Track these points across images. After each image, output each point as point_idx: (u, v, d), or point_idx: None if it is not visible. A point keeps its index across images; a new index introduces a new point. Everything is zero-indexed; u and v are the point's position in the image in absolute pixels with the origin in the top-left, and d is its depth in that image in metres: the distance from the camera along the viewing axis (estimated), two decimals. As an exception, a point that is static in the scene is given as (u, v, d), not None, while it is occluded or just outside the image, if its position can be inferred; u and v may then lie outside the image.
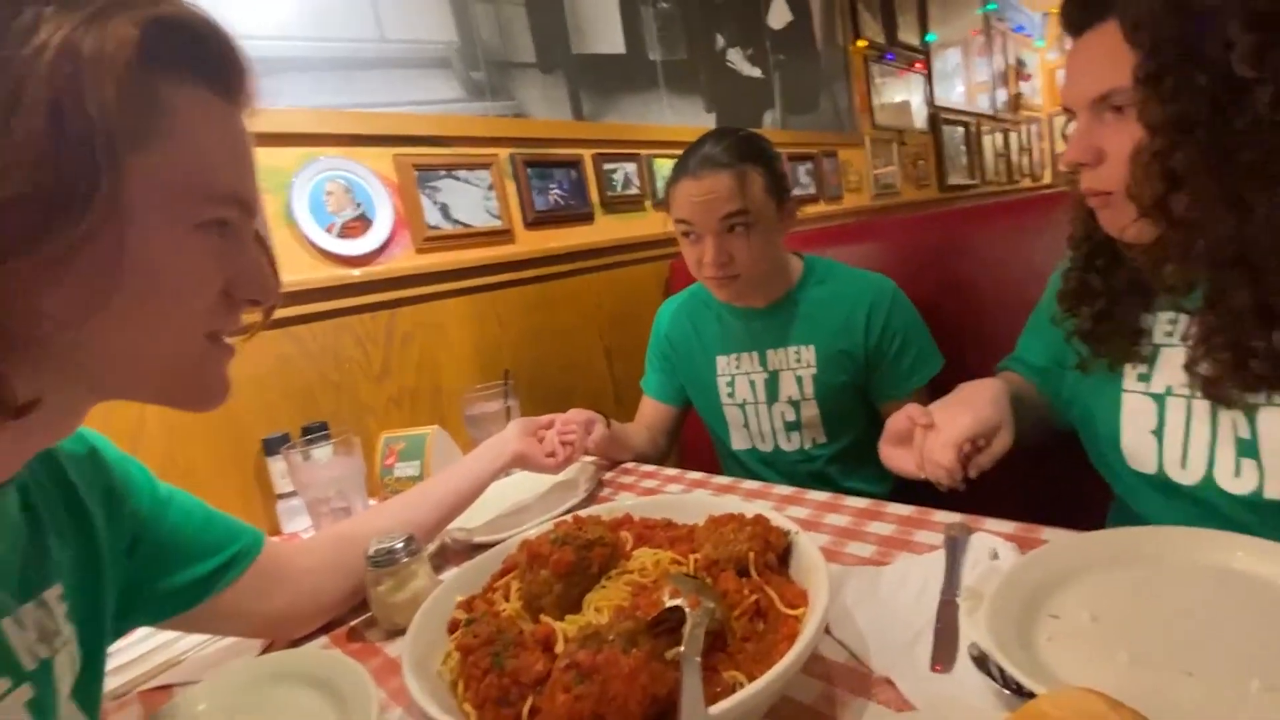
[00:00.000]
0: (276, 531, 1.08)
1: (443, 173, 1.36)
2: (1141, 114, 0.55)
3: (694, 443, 1.40)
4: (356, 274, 1.22)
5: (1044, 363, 0.86)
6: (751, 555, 0.50)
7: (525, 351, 1.50)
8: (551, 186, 1.56)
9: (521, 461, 0.89)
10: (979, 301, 1.17)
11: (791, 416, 1.14)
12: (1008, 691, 0.41)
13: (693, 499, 0.65)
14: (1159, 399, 0.67)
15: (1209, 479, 0.62)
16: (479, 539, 0.82)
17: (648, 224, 1.79)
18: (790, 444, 1.16)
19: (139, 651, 0.70)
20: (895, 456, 0.75)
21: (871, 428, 1.13)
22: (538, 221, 1.53)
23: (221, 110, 0.41)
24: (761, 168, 1.03)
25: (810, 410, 1.12)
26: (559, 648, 0.44)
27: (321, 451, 0.97)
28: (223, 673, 0.59)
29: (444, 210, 1.36)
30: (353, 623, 0.69)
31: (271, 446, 1.08)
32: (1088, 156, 0.61)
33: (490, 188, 1.44)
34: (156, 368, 0.41)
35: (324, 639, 0.68)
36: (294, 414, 1.16)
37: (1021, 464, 0.76)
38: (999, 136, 4.19)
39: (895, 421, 0.74)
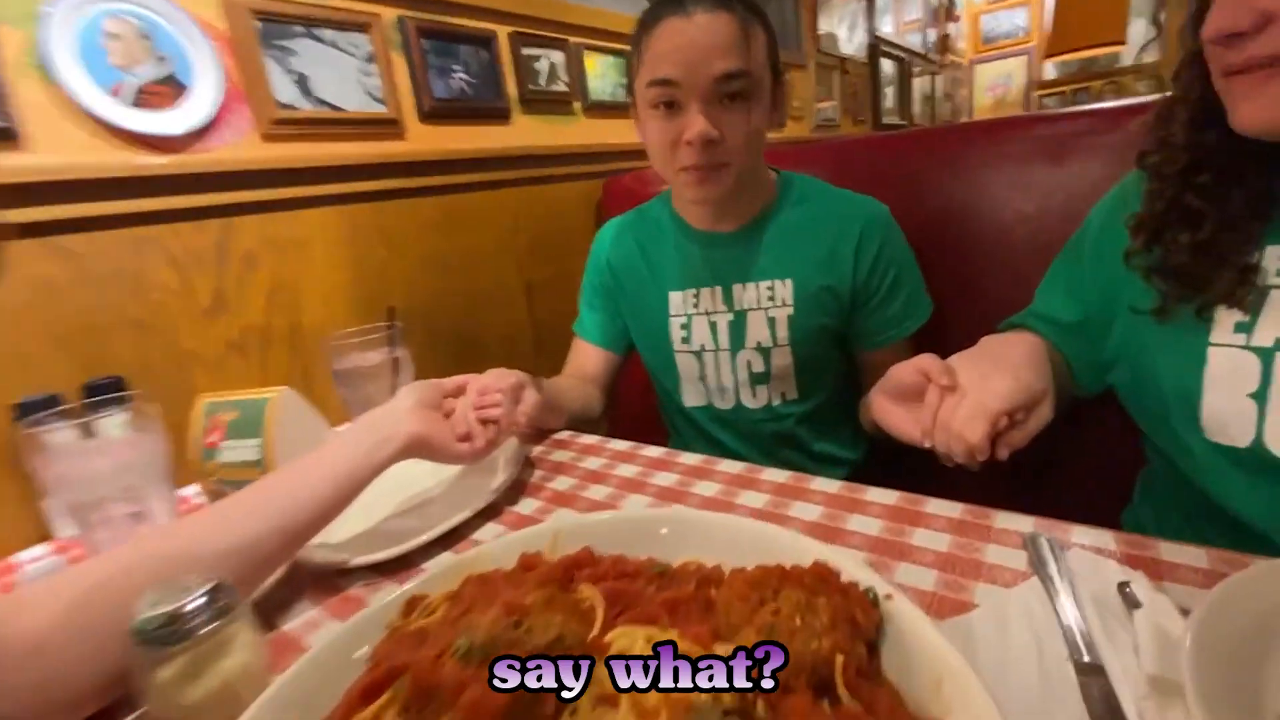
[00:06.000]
0: (44, 539, 0.75)
1: (299, 28, 0.98)
2: None
3: (627, 394, 1.15)
4: (163, 162, 0.85)
5: (1077, 316, 0.70)
6: (839, 659, 0.27)
7: (420, 284, 1.19)
8: (455, 68, 1.21)
9: (421, 448, 0.61)
10: (970, 239, 0.98)
11: (760, 367, 0.93)
12: None
13: (677, 518, 0.42)
14: (1265, 354, 0.53)
15: None
16: (355, 562, 0.55)
17: (577, 132, 1.48)
18: (756, 400, 0.95)
19: None
20: (894, 415, 0.61)
21: (846, 383, 0.96)
22: (437, 114, 1.19)
23: None
24: (764, 29, 0.80)
25: (783, 359, 0.91)
26: None
27: (110, 422, 0.65)
28: None
29: (302, 83, 0.99)
30: (120, 724, 0.42)
31: (31, 412, 0.73)
32: (1247, 21, 0.44)
33: (370, 59, 1.07)
34: None
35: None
36: (72, 365, 0.80)
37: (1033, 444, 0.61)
38: (927, 79, 4.10)
39: (902, 373, 0.60)
